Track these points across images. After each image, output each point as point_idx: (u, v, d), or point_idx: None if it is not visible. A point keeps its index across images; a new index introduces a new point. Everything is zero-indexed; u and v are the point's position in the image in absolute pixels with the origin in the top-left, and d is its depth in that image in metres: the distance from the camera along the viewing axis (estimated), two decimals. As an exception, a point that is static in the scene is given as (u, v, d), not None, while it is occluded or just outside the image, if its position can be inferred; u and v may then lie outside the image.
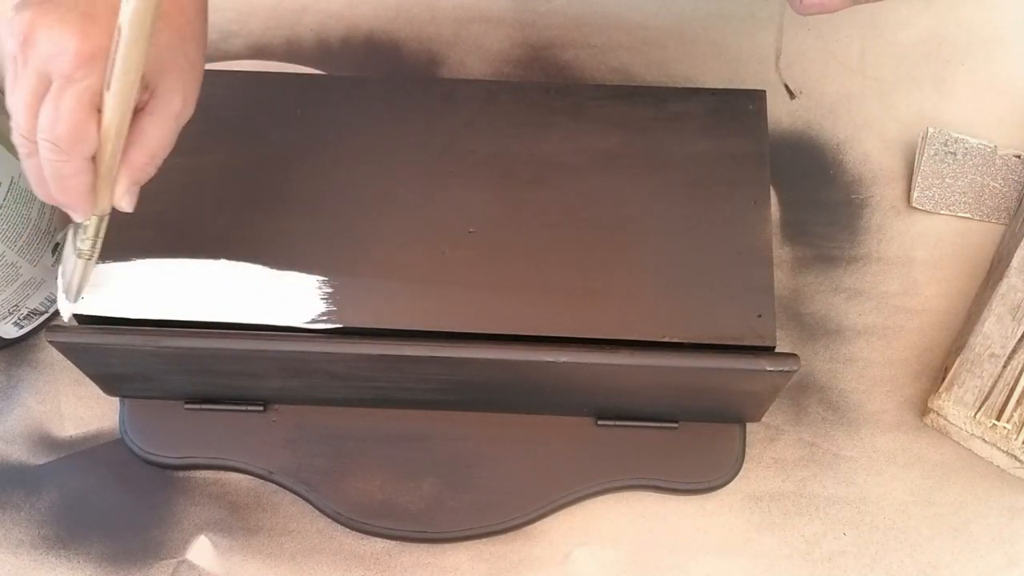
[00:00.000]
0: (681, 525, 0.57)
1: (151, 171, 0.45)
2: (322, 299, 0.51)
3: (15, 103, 0.42)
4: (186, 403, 0.57)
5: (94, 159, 0.42)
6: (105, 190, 0.44)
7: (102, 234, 0.47)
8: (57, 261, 0.58)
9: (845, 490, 0.57)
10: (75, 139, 0.41)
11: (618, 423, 0.57)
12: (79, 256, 0.47)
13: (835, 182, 0.65)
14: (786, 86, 0.67)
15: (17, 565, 0.56)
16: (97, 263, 0.48)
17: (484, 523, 0.56)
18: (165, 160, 0.44)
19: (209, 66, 0.67)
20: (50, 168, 0.42)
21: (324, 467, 0.57)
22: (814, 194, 0.64)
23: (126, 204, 0.45)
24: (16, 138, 0.43)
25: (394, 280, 0.52)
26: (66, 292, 0.50)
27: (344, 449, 0.57)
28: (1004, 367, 0.56)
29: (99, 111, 0.41)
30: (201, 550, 0.56)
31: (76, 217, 0.45)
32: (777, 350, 0.50)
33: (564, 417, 0.57)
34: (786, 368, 0.49)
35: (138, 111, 0.43)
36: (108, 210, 0.45)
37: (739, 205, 0.53)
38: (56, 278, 0.50)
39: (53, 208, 0.57)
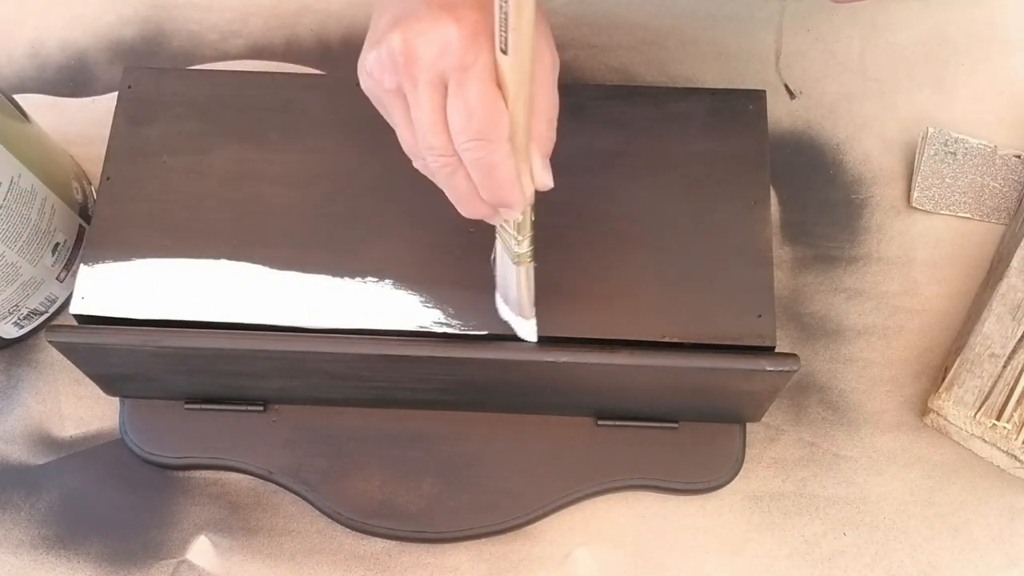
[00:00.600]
0: (681, 525, 0.57)
1: (553, 137, 0.42)
2: (322, 299, 0.51)
3: (421, 130, 0.41)
4: (186, 403, 0.57)
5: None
6: (525, 174, 0.42)
7: (532, 229, 0.44)
8: (62, 256, 0.58)
9: (845, 490, 0.57)
10: (494, 122, 0.39)
11: (618, 423, 0.57)
12: (519, 263, 0.45)
13: (835, 182, 0.65)
14: (786, 86, 0.67)
15: (17, 565, 0.56)
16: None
17: (484, 523, 0.56)
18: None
19: (209, 66, 0.68)
20: (479, 168, 0.40)
21: (324, 467, 0.57)
22: (814, 194, 0.64)
23: (548, 180, 0.42)
24: (432, 161, 0.41)
25: (395, 280, 0.52)
26: (520, 312, 0.47)
27: (344, 449, 0.57)
28: (1004, 367, 0.56)
29: (502, 89, 0.39)
30: (201, 550, 0.56)
31: (511, 214, 0.43)
32: (777, 350, 0.50)
33: (564, 417, 0.57)
34: (786, 368, 0.49)
35: None
36: (532, 198, 0.43)
37: (739, 205, 0.53)
38: (496, 308, 0.48)
39: (53, 208, 0.57)
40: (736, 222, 0.53)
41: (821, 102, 0.67)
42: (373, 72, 0.41)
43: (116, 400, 0.59)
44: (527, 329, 0.49)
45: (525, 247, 0.45)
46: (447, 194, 0.43)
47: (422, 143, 0.41)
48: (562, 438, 0.57)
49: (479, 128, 0.39)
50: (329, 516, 0.56)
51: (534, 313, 0.49)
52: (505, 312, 0.49)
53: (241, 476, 0.58)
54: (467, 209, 0.43)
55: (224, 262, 0.52)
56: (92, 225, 0.53)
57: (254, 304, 0.51)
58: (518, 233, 0.44)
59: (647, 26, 0.69)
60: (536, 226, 0.44)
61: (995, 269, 0.60)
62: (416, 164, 0.43)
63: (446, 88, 0.40)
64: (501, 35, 0.37)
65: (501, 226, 0.45)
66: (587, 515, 0.57)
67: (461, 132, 0.40)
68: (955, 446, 0.58)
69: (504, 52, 0.38)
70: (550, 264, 0.52)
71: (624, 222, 0.53)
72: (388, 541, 0.56)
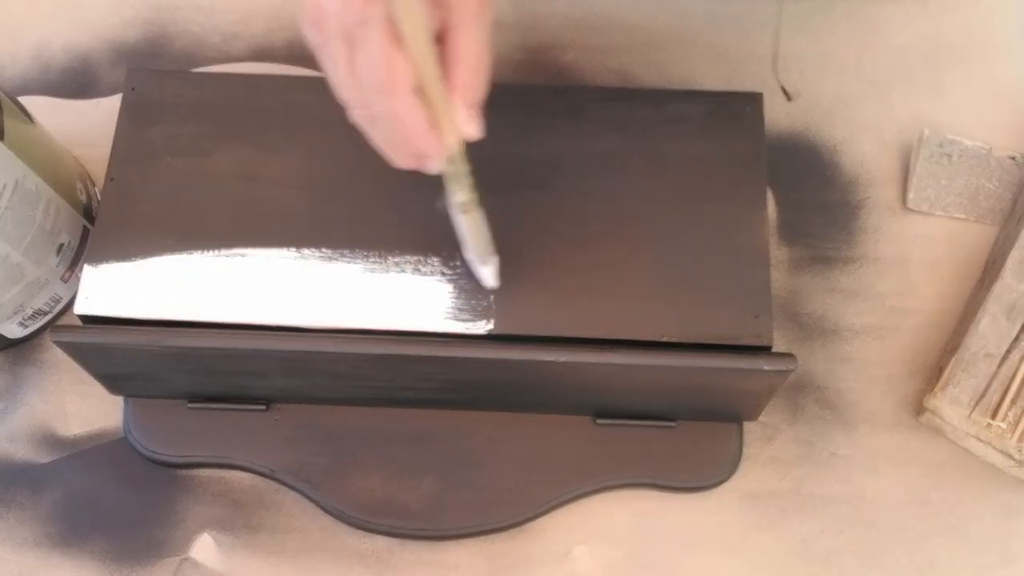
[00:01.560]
0: (679, 523, 0.57)
1: (481, 86, 0.42)
2: (324, 299, 0.52)
3: (338, 84, 0.41)
4: (189, 402, 0.58)
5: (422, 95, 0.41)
6: (447, 124, 0.42)
7: (470, 178, 0.45)
8: (66, 257, 0.59)
9: (842, 489, 0.58)
10: (392, 75, 0.39)
11: (617, 422, 0.57)
12: (464, 212, 0.46)
13: (832, 183, 0.65)
14: (783, 88, 0.68)
15: (22, 563, 0.56)
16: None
17: (484, 521, 0.56)
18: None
19: (212, 68, 0.68)
20: (389, 121, 0.41)
21: (326, 466, 0.57)
22: (811, 195, 0.64)
23: (473, 129, 0.43)
24: (356, 116, 0.42)
25: (396, 280, 0.52)
26: (480, 259, 0.48)
27: (345, 448, 0.57)
28: (999, 366, 0.56)
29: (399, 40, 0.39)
30: (204, 548, 0.56)
31: (434, 164, 0.43)
32: (774, 350, 0.51)
33: (563, 416, 0.57)
34: (783, 368, 0.50)
35: (443, 30, 0.41)
36: (459, 147, 0.43)
37: (736, 206, 0.53)
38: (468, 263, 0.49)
39: (57, 209, 0.57)
40: (734, 223, 0.53)
41: (818, 104, 0.67)
42: (301, 29, 0.42)
43: (120, 399, 0.59)
44: (485, 274, 0.50)
45: (464, 196, 0.45)
46: (377, 147, 0.43)
47: (340, 97, 0.42)
48: (561, 437, 0.57)
49: (379, 82, 0.40)
50: (331, 514, 0.57)
51: (493, 260, 0.49)
52: (472, 258, 0.50)
53: (244, 474, 0.58)
54: (393, 160, 0.43)
55: (227, 262, 0.52)
56: (96, 226, 0.53)
57: (257, 304, 0.51)
58: (455, 184, 0.45)
59: (646, 28, 0.69)
60: (473, 174, 0.45)
61: (990, 269, 0.61)
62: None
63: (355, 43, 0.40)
64: None
65: (439, 178, 0.45)
66: (586, 513, 0.57)
67: (365, 87, 0.40)
68: (951, 445, 0.58)
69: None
70: (549, 264, 0.52)
71: (622, 223, 0.53)
72: (389, 539, 0.57)
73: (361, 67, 0.40)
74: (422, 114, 0.41)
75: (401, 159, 0.43)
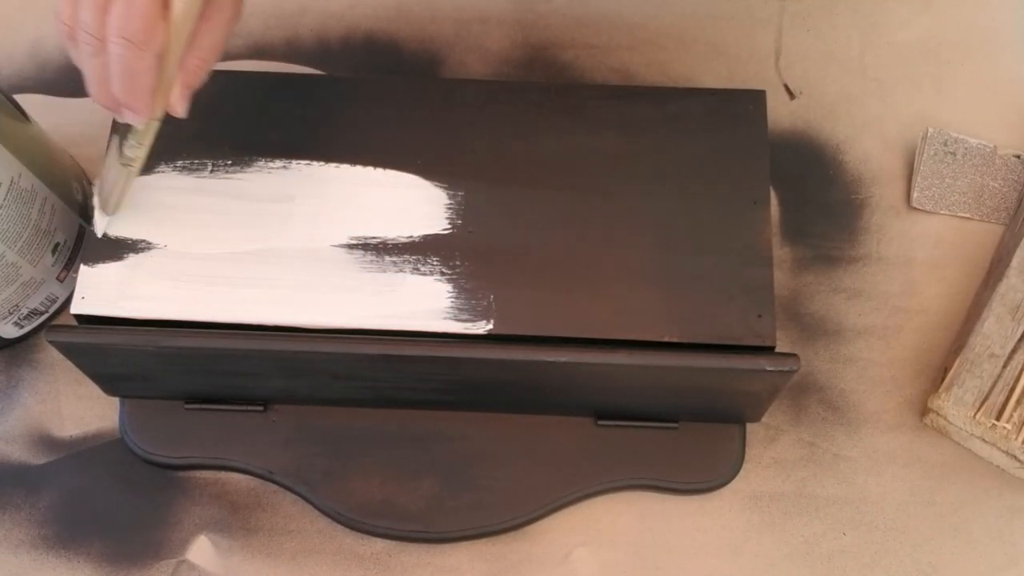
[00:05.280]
0: (681, 525, 0.57)
1: (202, 76, 0.46)
2: (322, 299, 0.51)
3: (83, 6, 0.43)
4: (186, 403, 0.57)
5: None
6: (162, 95, 0.45)
7: (150, 144, 0.48)
8: (62, 256, 0.58)
9: (845, 490, 0.57)
10: (149, 34, 0.42)
11: (618, 423, 0.57)
12: (124, 164, 0.49)
13: (835, 182, 0.65)
14: (786, 86, 0.67)
15: (17, 565, 0.56)
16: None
17: (484, 523, 0.56)
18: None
19: (209, 66, 0.68)
20: (120, 65, 0.43)
21: (324, 467, 0.57)
22: (814, 194, 0.64)
23: (181, 109, 0.46)
24: (81, 36, 0.43)
25: (395, 280, 0.52)
26: (103, 206, 0.51)
27: (344, 449, 0.57)
28: (1004, 367, 0.56)
29: (166, 10, 0.43)
30: (201, 550, 0.56)
31: (135, 119, 0.46)
32: (777, 350, 0.50)
33: (564, 417, 0.57)
34: (786, 368, 0.49)
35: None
36: (162, 116, 0.47)
37: (739, 205, 0.53)
38: (93, 195, 0.51)
39: (53, 208, 0.57)
40: (736, 222, 0.53)
41: (821, 102, 0.67)
42: None
43: (116, 400, 0.59)
44: (101, 222, 0.52)
45: (136, 153, 0.49)
46: (83, 72, 0.45)
47: (79, 16, 0.43)
48: (562, 438, 0.57)
49: (133, 31, 0.42)
50: (329, 516, 0.56)
51: (113, 213, 0.52)
52: (97, 198, 0.52)
53: (241, 476, 0.58)
54: (96, 94, 0.46)
55: (224, 262, 0.52)
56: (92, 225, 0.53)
57: (254, 304, 0.51)
58: (136, 140, 0.48)
59: (647, 27, 0.69)
60: (153, 147, 0.49)
61: (995, 269, 0.60)
62: (56, 25, 0.45)
63: None
64: None
65: (124, 126, 0.48)
66: (587, 515, 0.57)
67: (115, 27, 0.42)
68: (955, 446, 0.58)
69: None
70: (550, 264, 0.52)
71: (624, 222, 0.53)
72: (388, 541, 0.56)
73: (119, 12, 0.42)
74: (154, 77, 0.44)
75: (104, 98, 0.46)
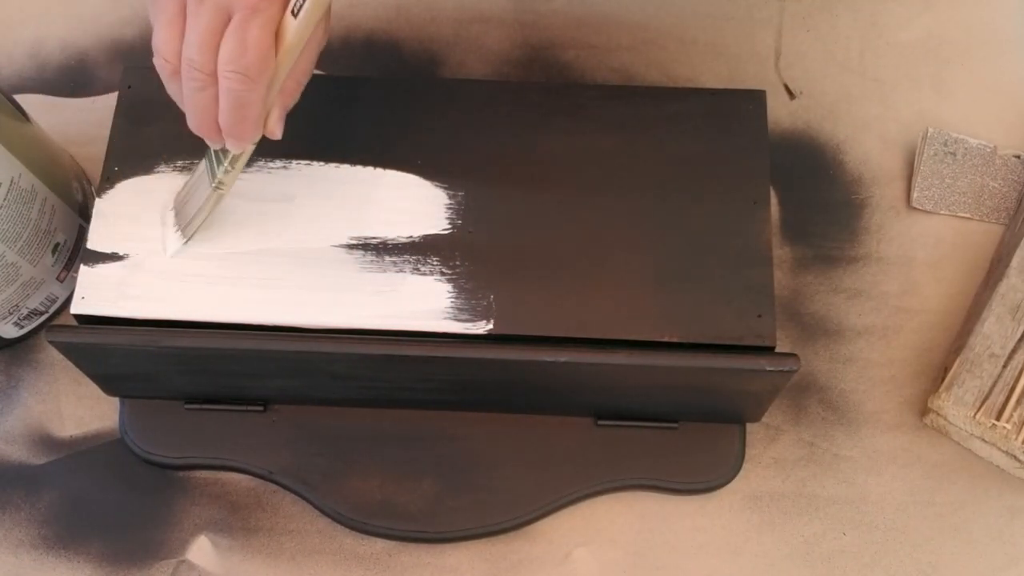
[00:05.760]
0: (681, 525, 0.57)
1: (296, 99, 0.48)
2: (322, 299, 0.51)
3: (190, 43, 0.44)
4: (186, 403, 0.57)
5: None
6: (263, 119, 0.46)
7: (242, 168, 0.49)
8: (62, 256, 0.58)
9: (845, 490, 0.57)
10: (263, 67, 0.44)
11: (618, 423, 0.57)
12: (216, 188, 0.49)
13: (835, 182, 0.65)
14: (786, 86, 0.67)
15: (17, 565, 0.56)
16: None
17: (484, 523, 0.56)
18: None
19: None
20: (232, 98, 0.44)
21: (324, 467, 0.57)
22: (814, 194, 0.64)
23: (279, 131, 0.47)
24: (188, 72, 0.44)
25: (395, 280, 0.52)
26: (183, 228, 0.51)
27: (344, 449, 0.57)
28: (1004, 367, 0.56)
29: (278, 41, 0.44)
30: (201, 550, 0.56)
31: (237, 146, 0.47)
32: (777, 350, 0.50)
33: (564, 417, 0.57)
34: (786, 368, 0.49)
35: None
36: (258, 140, 0.47)
37: (739, 205, 0.53)
38: (164, 216, 0.52)
39: (53, 208, 0.57)
40: (736, 222, 0.53)
41: (821, 102, 0.67)
42: None
43: (116, 400, 0.59)
44: (172, 244, 0.52)
45: (230, 179, 0.49)
46: (185, 104, 0.46)
47: (186, 53, 0.44)
48: (562, 438, 0.57)
49: (248, 65, 0.43)
50: (329, 516, 0.56)
51: (188, 238, 0.51)
52: (168, 219, 0.52)
53: (241, 476, 0.58)
54: (199, 125, 0.46)
55: (224, 262, 0.52)
56: (92, 225, 0.53)
57: (254, 304, 0.51)
58: (231, 165, 0.49)
59: (647, 26, 0.69)
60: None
61: (995, 269, 0.60)
62: (156, 62, 0.45)
63: (228, 18, 0.43)
64: (298, 1, 0.44)
65: (218, 151, 0.49)
66: (587, 515, 0.57)
67: (229, 61, 0.43)
68: (955, 446, 0.58)
69: (294, 15, 0.44)
70: (550, 264, 0.52)
71: (623, 222, 0.53)
72: (388, 541, 0.56)
73: (232, 44, 0.43)
74: (263, 105, 0.45)
75: (210, 130, 0.46)
